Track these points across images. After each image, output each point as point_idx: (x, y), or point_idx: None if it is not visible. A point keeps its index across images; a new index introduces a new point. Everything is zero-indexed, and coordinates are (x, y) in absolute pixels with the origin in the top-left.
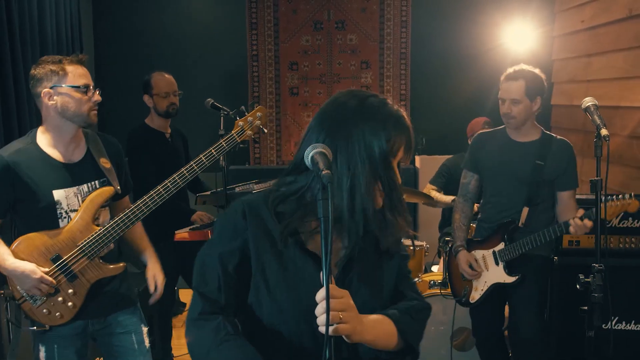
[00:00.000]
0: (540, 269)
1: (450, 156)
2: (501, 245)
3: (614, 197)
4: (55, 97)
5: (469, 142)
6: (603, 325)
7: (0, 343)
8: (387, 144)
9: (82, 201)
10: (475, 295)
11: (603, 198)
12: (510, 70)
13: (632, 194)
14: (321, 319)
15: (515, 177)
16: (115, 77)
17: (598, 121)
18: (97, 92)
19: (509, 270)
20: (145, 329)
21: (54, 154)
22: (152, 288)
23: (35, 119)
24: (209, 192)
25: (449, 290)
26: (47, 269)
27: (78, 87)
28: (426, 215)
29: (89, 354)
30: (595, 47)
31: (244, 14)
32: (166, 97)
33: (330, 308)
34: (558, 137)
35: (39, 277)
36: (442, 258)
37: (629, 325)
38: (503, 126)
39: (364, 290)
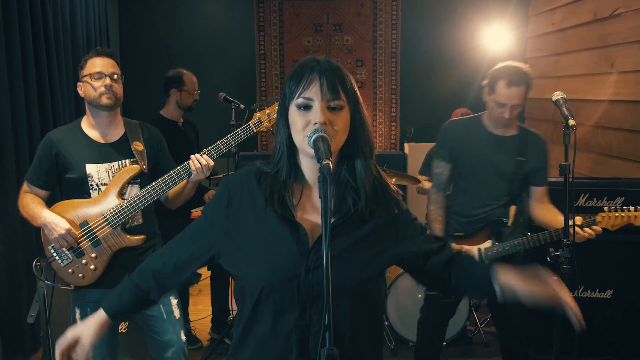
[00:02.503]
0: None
1: (433, 144)
2: (487, 244)
3: (618, 208)
4: (82, 88)
5: None
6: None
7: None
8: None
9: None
10: None
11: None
12: (505, 68)
13: (638, 207)
14: None
15: (496, 171)
16: (138, 73)
17: (566, 113)
18: (109, 78)
19: None
20: (174, 301)
21: (93, 134)
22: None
23: (67, 111)
24: (221, 175)
25: None
26: (75, 232)
27: (91, 75)
28: (414, 196)
29: (121, 324)
30: (564, 47)
31: (252, 17)
32: (192, 94)
33: None
34: (532, 130)
35: (68, 228)
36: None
37: (594, 293)
38: (477, 115)
39: (342, 261)
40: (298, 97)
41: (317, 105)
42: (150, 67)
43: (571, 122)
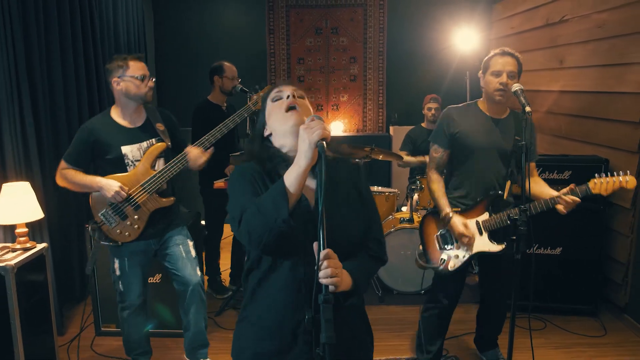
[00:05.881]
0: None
1: (412, 127)
2: (485, 216)
3: (611, 174)
4: (121, 84)
5: (424, 112)
6: (527, 250)
7: (85, 263)
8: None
9: (144, 154)
10: (455, 263)
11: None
12: (500, 48)
13: (628, 172)
14: (321, 274)
15: (500, 153)
16: (170, 67)
17: (524, 101)
18: (152, 80)
19: (493, 239)
20: (190, 243)
21: (122, 122)
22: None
23: (111, 101)
24: (238, 153)
25: (414, 224)
26: (125, 188)
27: (136, 77)
28: (397, 171)
29: (150, 270)
30: (522, 47)
31: (264, 22)
32: (232, 80)
33: (331, 270)
34: (519, 112)
35: (120, 185)
36: (409, 201)
37: (546, 250)
38: (472, 102)
39: (343, 218)
40: (271, 94)
41: (285, 91)
42: (179, 63)
43: (527, 109)
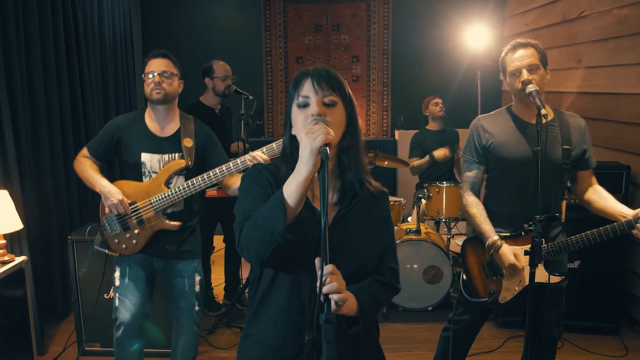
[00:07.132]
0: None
1: (417, 131)
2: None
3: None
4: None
5: (426, 114)
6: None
7: (68, 278)
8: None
9: (162, 167)
10: (506, 296)
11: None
12: (512, 42)
13: None
14: (325, 289)
15: (547, 165)
16: None
17: (539, 103)
18: (157, 76)
19: (550, 269)
20: (198, 278)
21: (151, 126)
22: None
23: (95, 103)
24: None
25: (421, 236)
26: (127, 203)
27: (145, 74)
28: (403, 178)
29: (152, 289)
30: None
31: (260, 19)
32: (224, 80)
33: (336, 287)
34: (568, 112)
35: (120, 199)
36: (415, 210)
37: None
38: (504, 107)
39: (352, 243)
40: (297, 98)
41: (312, 100)
42: None
43: (543, 111)
